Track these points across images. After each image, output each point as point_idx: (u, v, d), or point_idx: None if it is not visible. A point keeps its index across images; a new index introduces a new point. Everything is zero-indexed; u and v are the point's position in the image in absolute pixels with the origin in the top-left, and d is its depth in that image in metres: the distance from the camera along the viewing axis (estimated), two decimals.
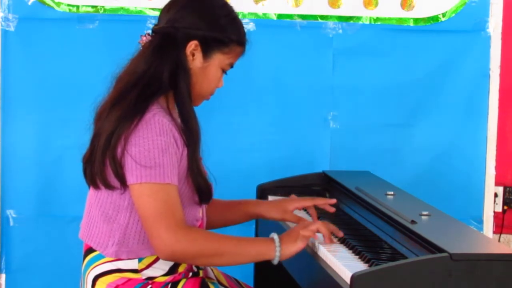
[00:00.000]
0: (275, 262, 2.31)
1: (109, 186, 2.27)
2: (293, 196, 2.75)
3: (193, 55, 2.33)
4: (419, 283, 2.08)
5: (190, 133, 2.28)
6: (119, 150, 2.22)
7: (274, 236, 2.32)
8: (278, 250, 2.29)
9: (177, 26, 2.32)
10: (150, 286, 2.30)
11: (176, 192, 2.24)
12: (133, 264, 2.29)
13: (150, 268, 2.30)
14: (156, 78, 2.29)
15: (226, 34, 2.35)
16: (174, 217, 2.21)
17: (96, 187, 2.31)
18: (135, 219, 2.28)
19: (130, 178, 2.22)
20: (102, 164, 2.25)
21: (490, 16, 3.77)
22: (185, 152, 2.28)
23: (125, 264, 2.30)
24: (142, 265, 2.30)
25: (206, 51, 2.34)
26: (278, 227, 2.73)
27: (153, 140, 2.21)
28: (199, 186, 2.32)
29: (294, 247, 2.31)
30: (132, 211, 2.28)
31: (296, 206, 2.66)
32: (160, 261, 2.30)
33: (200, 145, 2.32)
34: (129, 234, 2.29)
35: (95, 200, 2.33)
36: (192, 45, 2.32)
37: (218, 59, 2.36)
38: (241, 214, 2.67)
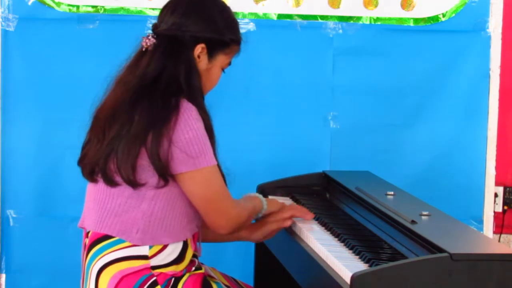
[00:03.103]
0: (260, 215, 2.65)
1: (134, 184, 2.31)
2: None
3: (198, 57, 2.42)
4: (419, 283, 2.08)
5: (206, 131, 2.37)
6: (164, 146, 2.28)
7: (260, 197, 2.66)
8: (265, 203, 2.65)
9: (184, 30, 2.40)
10: (154, 278, 2.32)
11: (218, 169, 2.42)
12: (144, 250, 2.33)
13: (159, 256, 2.34)
14: (173, 79, 2.37)
15: (228, 35, 2.45)
16: (228, 193, 2.42)
17: (114, 185, 2.34)
18: (159, 208, 2.33)
19: (183, 168, 2.31)
20: (131, 164, 2.29)
21: (490, 16, 3.77)
22: None
23: (137, 250, 2.33)
24: (152, 252, 2.33)
25: (211, 53, 2.44)
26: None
27: (196, 127, 2.32)
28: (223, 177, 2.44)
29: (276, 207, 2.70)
30: (158, 200, 2.33)
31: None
32: (168, 248, 2.34)
33: (216, 141, 2.43)
34: (154, 222, 2.33)
35: (113, 192, 2.35)
36: (199, 48, 2.41)
37: (221, 59, 2.46)
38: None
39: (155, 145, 2.28)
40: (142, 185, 2.31)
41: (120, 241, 2.34)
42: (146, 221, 2.33)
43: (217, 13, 2.45)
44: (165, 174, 2.30)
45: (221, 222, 2.41)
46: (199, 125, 2.33)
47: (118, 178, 2.32)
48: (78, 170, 2.43)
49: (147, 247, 2.33)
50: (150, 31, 2.43)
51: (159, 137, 2.28)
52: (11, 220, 3.66)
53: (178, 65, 2.38)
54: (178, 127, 2.29)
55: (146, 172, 2.30)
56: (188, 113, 2.31)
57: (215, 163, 2.37)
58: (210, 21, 2.43)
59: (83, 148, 2.43)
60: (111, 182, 2.34)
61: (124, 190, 2.33)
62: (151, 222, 2.33)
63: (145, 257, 2.33)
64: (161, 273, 2.33)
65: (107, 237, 2.35)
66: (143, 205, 2.33)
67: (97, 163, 2.35)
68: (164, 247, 2.34)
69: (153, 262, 2.33)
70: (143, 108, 2.31)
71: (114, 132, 2.33)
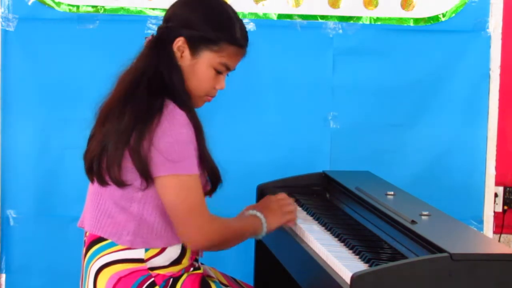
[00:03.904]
0: (261, 237, 2.52)
1: (121, 184, 2.29)
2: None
3: (182, 52, 2.37)
4: (419, 283, 2.08)
5: (194, 126, 2.32)
6: (144, 148, 2.25)
7: (257, 213, 2.50)
8: (265, 226, 2.50)
9: (170, 25, 2.38)
10: (152, 279, 2.32)
11: (200, 181, 2.32)
12: (140, 253, 2.32)
13: (155, 258, 2.33)
14: (156, 75, 2.33)
15: (215, 32, 2.37)
16: (205, 207, 2.32)
17: (105, 184, 2.33)
18: (148, 211, 2.31)
19: (161, 171, 2.26)
20: (117, 164, 2.28)
21: (490, 16, 3.77)
22: (196, 145, 2.34)
23: (132, 253, 2.32)
24: (148, 255, 2.32)
25: (193, 48, 2.37)
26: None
27: (179, 132, 2.26)
28: (213, 172, 2.39)
29: (277, 223, 2.55)
30: (146, 203, 2.31)
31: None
32: (166, 252, 2.33)
33: (205, 134, 2.36)
34: (144, 225, 2.32)
35: (105, 192, 2.35)
36: (179, 41, 2.36)
37: (207, 56, 2.38)
38: None
39: (137, 145, 2.25)
40: (129, 185, 2.29)
41: (113, 244, 2.33)
42: (136, 224, 2.31)
43: (208, 9, 2.39)
44: (146, 176, 2.27)
45: (192, 236, 2.31)
46: (183, 131, 2.27)
47: (107, 178, 2.31)
48: (78, 170, 2.43)
49: (142, 250, 2.32)
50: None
51: (141, 138, 2.25)
52: (11, 220, 3.66)
53: (160, 60, 2.35)
54: (160, 130, 2.25)
55: (132, 173, 2.29)
56: (171, 116, 2.27)
57: (196, 172, 2.29)
58: (196, 15, 2.37)
59: (88, 143, 2.42)
60: (102, 181, 2.33)
61: (115, 191, 2.32)
62: (141, 225, 2.31)
63: (141, 260, 2.32)
64: (158, 274, 2.32)
65: (102, 239, 2.35)
66: (133, 207, 2.31)
67: (92, 160, 2.35)
68: (162, 250, 2.33)
69: (150, 264, 2.32)
70: (131, 107, 2.29)
71: (105, 130, 2.32)
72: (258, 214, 2.50)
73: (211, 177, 2.39)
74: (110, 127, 2.30)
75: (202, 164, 2.34)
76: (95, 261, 2.35)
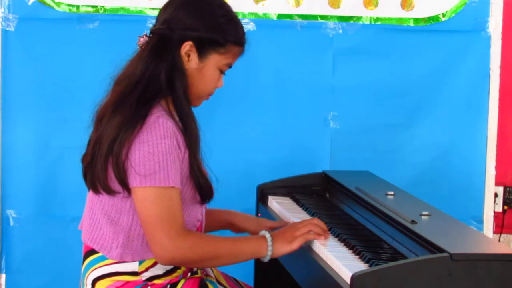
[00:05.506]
0: (266, 260, 2.36)
1: (110, 192, 2.27)
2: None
3: (188, 56, 2.32)
4: (419, 283, 2.08)
5: (189, 135, 2.28)
6: (123, 156, 2.21)
7: (266, 234, 2.36)
8: (270, 249, 2.34)
9: (172, 27, 2.32)
10: (149, 287, 2.30)
11: (179, 195, 2.25)
12: (134, 266, 2.30)
13: (150, 270, 2.30)
14: (153, 80, 2.28)
15: (222, 34, 2.34)
16: (175, 223, 2.22)
17: (97, 191, 2.30)
18: (138, 222, 2.28)
19: (134, 182, 2.22)
20: (104, 171, 2.25)
21: (490, 16, 3.77)
22: (187, 154, 2.28)
23: (125, 266, 2.30)
24: (142, 268, 2.30)
25: (202, 52, 2.33)
26: None
27: (157, 143, 2.21)
28: (200, 186, 2.32)
29: (286, 248, 2.38)
30: (135, 214, 2.27)
31: (270, 226, 2.67)
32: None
33: (200, 146, 2.31)
34: (133, 236, 2.29)
35: (97, 203, 2.33)
36: (187, 46, 2.31)
37: (215, 59, 2.35)
38: (215, 222, 2.66)
39: (117, 154, 2.21)
40: (117, 193, 2.26)
41: (105, 257, 2.31)
42: (125, 237, 2.28)
43: (211, 10, 2.34)
44: (124, 185, 2.23)
45: (155, 250, 2.23)
46: (163, 141, 2.21)
47: (99, 186, 2.28)
48: (78, 170, 2.42)
49: (136, 263, 2.29)
50: (147, 31, 2.40)
51: (121, 146, 2.21)
52: (11, 220, 3.66)
53: (160, 65, 2.29)
54: (137, 140, 2.21)
55: (116, 182, 2.25)
56: (153, 126, 2.22)
57: (169, 185, 2.21)
58: (201, 18, 2.32)
59: (87, 146, 2.40)
60: (95, 189, 2.30)
61: (107, 200, 2.29)
62: (130, 238, 2.28)
63: (134, 273, 2.29)
64: (155, 283, 2.30)
65: (94, 251, 2.33)
66: (122, 219, 2.28)
67: (86, 166, 2.32)
68: (156, 262, 2.30)
69: (145, 276, 2.30)
70: (119, 113, 2.24)
71: (98, 135, 2.29)
72: (267, 235, 2.36)
73: (199, 189, 2.33)
74: (102, 132, 2.27)
75: (190, 174, 2.30)
76: (90, 272, 2.34)
